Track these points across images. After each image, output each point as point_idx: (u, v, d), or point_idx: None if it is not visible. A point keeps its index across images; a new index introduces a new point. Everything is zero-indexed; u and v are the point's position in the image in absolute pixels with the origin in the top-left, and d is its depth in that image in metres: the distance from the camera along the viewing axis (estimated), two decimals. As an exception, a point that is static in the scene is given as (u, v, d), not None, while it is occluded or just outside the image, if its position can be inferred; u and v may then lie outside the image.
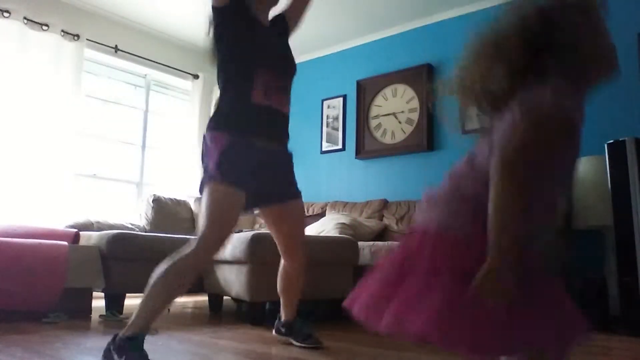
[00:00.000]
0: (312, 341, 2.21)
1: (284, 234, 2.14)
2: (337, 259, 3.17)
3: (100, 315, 2.99)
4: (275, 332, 2.38)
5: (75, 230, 3.34)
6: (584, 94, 1.00)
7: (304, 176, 5.74)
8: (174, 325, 2.84)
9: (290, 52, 2.10)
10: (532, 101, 0.90)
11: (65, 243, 3.00)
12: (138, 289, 3.50)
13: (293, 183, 2.15)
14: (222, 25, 1.96)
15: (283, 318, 2.35)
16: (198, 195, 1.96)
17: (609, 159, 2.96)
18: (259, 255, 2.82)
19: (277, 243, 2.20)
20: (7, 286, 2.66)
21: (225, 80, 1.96)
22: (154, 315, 1.78)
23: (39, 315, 2.78)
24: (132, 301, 3.96)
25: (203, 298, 4.23)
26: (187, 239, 3.46)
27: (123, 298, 3.22)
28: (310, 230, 4.09)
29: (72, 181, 4.18)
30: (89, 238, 3.33)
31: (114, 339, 1.71)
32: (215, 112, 1.94)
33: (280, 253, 2.21)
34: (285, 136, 2.07)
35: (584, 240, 3.48)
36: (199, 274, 1.85)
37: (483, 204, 0.91)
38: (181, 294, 1.87)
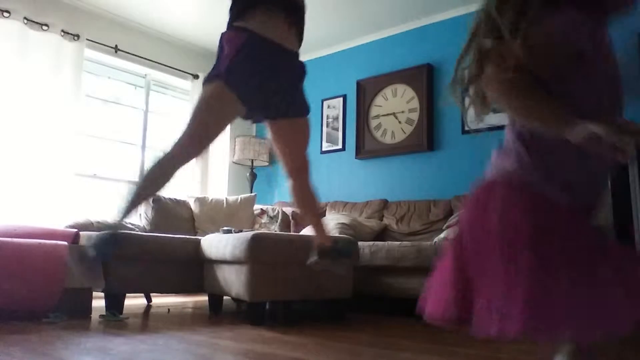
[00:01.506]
0: (341, 262, 2.37)
1: (290, 153, 2.15)
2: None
3: (100, 315, 2.98)
4: (321, 260, 2.36)
5: (75, 230, 3.34)
6: (603, 23, 0.99)
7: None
8: (174, 325, 2.84)
9: None
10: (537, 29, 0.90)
11: (65, 243, 3.00)
12: (138, 289, 3.53)
13: (303, 99, 2.14)
14: None
15: (325, 242, 2.36)
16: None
17: (609, 159, 2.96)
18: (259, 255, 2.82)
19: (282, 162, 2.20)
20: (7, 286, 2.66)
21: None
22: (136, 201, 1.97)
23: (39, 315, 2.78)
24: (132, 301, 3.97)
25: (203, 298, 4.23)
26: (187, 239, 3.49)
27: (123, 298, 3.22)
28: (311, 230, 4.09)
29: (72, 181, 4.18)
30: (89, 238, 3.33)
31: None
32: (232, 4, 1.94)
33: (287, 171, 2.21)
34: (300, 31, 2.08)
35: (584, 240, 3.48)
36: (175, 169, 1.92)
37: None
38: (158, 186, 1.97)
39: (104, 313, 3.01)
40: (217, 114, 1.87)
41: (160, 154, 1.90)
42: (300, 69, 2.11)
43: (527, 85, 0.90)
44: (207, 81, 1.90)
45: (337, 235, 3.62)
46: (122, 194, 1.95)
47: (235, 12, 1.92)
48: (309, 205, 2.31)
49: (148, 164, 1.94)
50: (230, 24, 1.92)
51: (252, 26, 1.86)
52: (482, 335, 0.90)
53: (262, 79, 1.88)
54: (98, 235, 1.98)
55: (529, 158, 0.96)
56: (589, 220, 0.95)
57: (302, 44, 2.18)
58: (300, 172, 2.20)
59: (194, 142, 1.87)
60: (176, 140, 1.87)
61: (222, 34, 1.94)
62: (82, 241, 3.31)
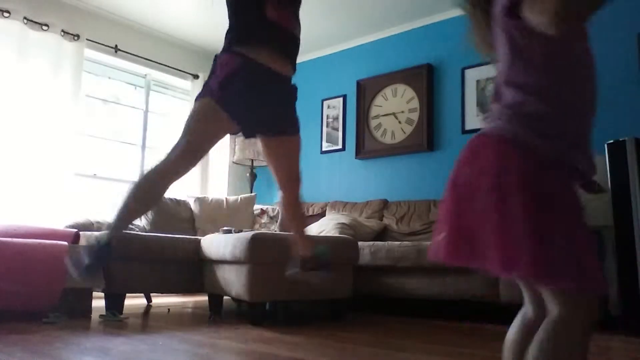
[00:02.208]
0: (325, 272, 2.32)
1: (282, 168, 2.20)
2: (337, 259, 3.16)
3: (100, 315, 2.98)
4: (301, 271, 2.36)
5: (75, 230, 3.34)
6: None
7: (303, 176, 5.74)
8: (174, 325, 2.84)
9: None
10: None
11: (65, 243, 3.00)
12: (138, 289, 3.53)
13: (294, 119, 2.20)
14: None
15: (306, 252, 2.35)
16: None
17: (609, 159, 2.96)
18: (259, 255, 2.82)
19: (275, 176, 2.25)
20: (7, 286, 2.66)
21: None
22: (127, 219, 1.99)
23: (39, 315, 2.78)
24: (132, 301, 3.97)
25: (203, 298, 4.23)
26: (188, 239, 3.49)
27: (123, 298, 3.21)
28: (311, 230, 4.09)
29: (72, 181, 4.18)
30: (89, 238, 3.33)
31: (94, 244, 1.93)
32: (229, 31, 1.97)
33: (279, 186, 2.27)
34: (294, 60, 2.09)
35: (584, 240, 3.48)
36: (165, 187, 1.93)
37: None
38: (147, 203, 1.99)
39: (104, 313, 3.01)
40: (207, 130, 1.91)
41: (148, 171, 1.91)
42: (292, 92, 2.15)
43: None
44: (199, 98, 1.94)
45: (337, 235, 3.62)
46: (114, 211, 1.95)
47: (233, 38, 1.94)
48: (297, 217, 2.35)
49: (136, 182, 1.94)
50: (226, 48, 1.95)
51: (247, 52, 1.89)
52: (463, 265, 0.97)
53: (253, 101, 1.92)
54: (90, 246, 1.98)
55: (521, 116, 0.96)
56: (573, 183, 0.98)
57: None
58: (291, 185, 2.26)
59: (185, 158, 1.90)
60: (166, 157, 1.89)
61: (216, 56, 1.98)
62: (82, 241, 3.31)
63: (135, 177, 1.95)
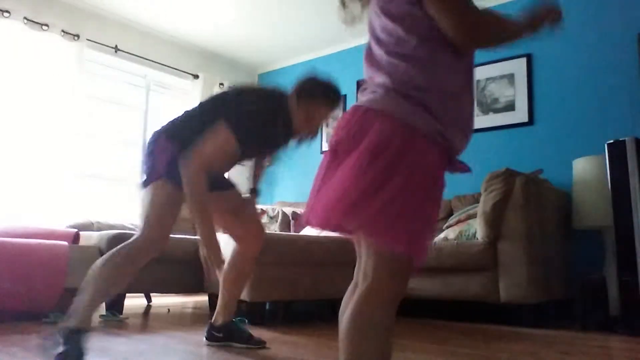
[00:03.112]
0: (255, 341, 2.18)
1: (232, 222, 2.17)
2: (337, 259, 3.17)
3: (100, 315, 2.98)
4: (208, 339, 2.22)
5: (75, 230, 3.34)
6: None
7: (304, 176, 5.76)
8: (174, 325, 2.84)
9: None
10: None
11: (65, 243, 3.00)
12: (138, 289, 3.53)
13: (225, 178, 2.25)
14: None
15: (220, 321, 2.22)
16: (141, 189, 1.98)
17: (609, 159, 2.96)
18: (259, 255, 2.81)
19: (230, 233, 2.21)
20: (7, 286, 2.66)
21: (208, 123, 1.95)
22: (96, 304, 1.85)
23: (39, 315, 2.78)
24: (132, 301, 3.97)
25: (203, 298, 4.24)
26: (187, 239, 3.49)
27: (123, 298, 3.22)
28: (311, 230, 4.09)
29: (72, 181, 4.18)
30: (89, 238, 3.34)
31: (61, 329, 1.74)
32: (178, 127, 2.00)
33: (236, 241, 2.21)
34: None
35: (584, 240, 3.48)
36: (136, 270, 1.88)
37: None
38: (119, 286, 1.89)
39: (104, 313, 3.01)
40: (171, 208, 1.93)
41: (115, 256, 1.83)
42: None
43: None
44: (148, 182, 1.93)
45: (337, 235, 3.62)
46: (79, 301, 1.82)
47: (178, 134, 1.97)
48: (240, 279, 2.24)
49: (97, 270, 1.84)
50: (170, 135, 1.97)
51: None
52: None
53: None
54: (63, 342, 1.71)
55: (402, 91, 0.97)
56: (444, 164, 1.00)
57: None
58: (248, 240, 2.19)
59: (158, 233, 1.90)
60: (134, 239, 1.86)
61: (155, 133, 2.00)
62: (82, 241, 3.31)
63: (96, 264, 1.87)
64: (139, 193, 1.97)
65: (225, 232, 2.22)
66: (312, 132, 2.14)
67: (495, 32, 0.98)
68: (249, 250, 2.20)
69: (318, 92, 2.09)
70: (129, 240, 1.87)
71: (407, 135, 0.93)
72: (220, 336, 2.21)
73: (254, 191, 2.30)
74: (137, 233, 1.89)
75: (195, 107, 2.08)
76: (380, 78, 1.00)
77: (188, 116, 2.06)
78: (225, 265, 2.18)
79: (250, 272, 2.28)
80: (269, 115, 1.98)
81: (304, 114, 2.05)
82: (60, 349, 1.67)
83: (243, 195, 2.24)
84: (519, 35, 0.98)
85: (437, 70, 0.97)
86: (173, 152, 1.91)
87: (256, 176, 2.34)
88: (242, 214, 2.18)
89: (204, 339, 2.23)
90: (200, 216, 1.89)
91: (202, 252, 1.92)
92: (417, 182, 0.92)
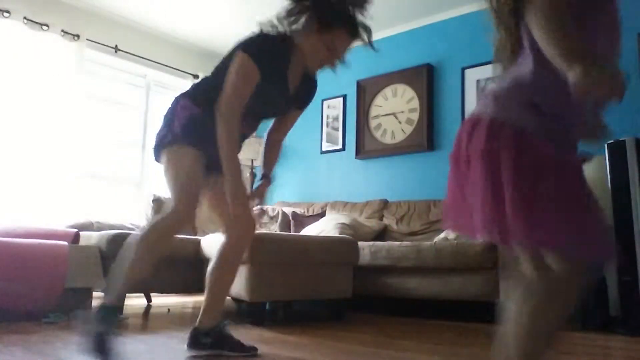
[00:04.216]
0: (249, 348, 2.01)
1: (226, 207, 2.00)
2: (337, 259, 3.17)
3: (100, 315, 2.98)
4: (193, 346, 1.98)
5: (75, 230, 3.34)
6: None
7: (303, 176, 5.76)
8: (174, 325, 2.84)
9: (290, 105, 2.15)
10: None
11: (65, 243, 3.00)
12: (138, 289, 3.53)
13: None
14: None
15: (207, 323, 2.00)
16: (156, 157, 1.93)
17: (609, 159, 2.96)
18: (259, 255, 2.82)
19: (222, 220, 2.07)
20: (7, 286, 2.66)
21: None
22: (132, 280, 1.81)
23: (39, 315, 2.78)
24: (132, 301, 3.97)
25: (203, 298, 4.23)
26: (187, 239, 3.49)
27: (123, 298, 3.21)
28: (310, 230, 4.09)
29: (72, 181, 4.18)
30: (89, 238, 3.34)
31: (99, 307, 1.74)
32: (198, 88, 1.98)
33: (226, 231, 2.05)
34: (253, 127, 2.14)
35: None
36: (172, 240, 1.85)
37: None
38: (157, 258, 1.83)
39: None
40: (193, 172, 1.85)
41: (143, 235, 1.77)
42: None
43: (565, 13, 0.95)
44: (163, 146, 1.88)
45: (337, 235, 3.62)
46: (114, 279, 1.79)
47: (200, 94, 1.94)
48: (227, 281, 2.06)
49: (132, 247, 1.77)
50: (190, 96, 1.94)
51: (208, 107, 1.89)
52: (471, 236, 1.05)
53: (211, 139, 1.86)
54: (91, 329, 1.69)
55: (516, 98, 1.02)
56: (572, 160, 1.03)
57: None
58: (236, 229, 2.01)
59: (186, 206, 1.81)
60: (163, 213, 1.82)
61: (177, 98, 1.97)
62: (82, 241, 3.31)
63: (133, 240, 1.80)
64: (156, 162, 1.93)
65: (220, 221, 2.09)
66: (333, 60, 2.05)
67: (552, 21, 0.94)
68: (238, 242, 2.01)
69: (340, 21, 2.00)
70: (159, 217, 1.85)
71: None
72: (207, 342, 1.97)
73: (267, 176, 2.14)
74: (165, 211, 1.85)
75: (213, 70, 2.03)
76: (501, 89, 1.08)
77: (205, 78, 2.03)
78: (212, 261, 2.05)
79: (237, 267, 2.07)
80: (283, 49, 1.95)
81: (325, 45, 1.96)
82: (98, 327, 1.67)
83: (257, 182, 2.17)
84: (569, 57, 0.90)
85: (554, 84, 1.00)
86: (192, 110, 1.88)
87: (268, 162, 2.17)
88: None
89: (186, 347, 1.99)
90: (232, 160, 1.82)
91: (233, 203, 1.83)
92: (563, 182, 0.95)
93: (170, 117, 1.92)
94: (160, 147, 1.90)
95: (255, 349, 2.03)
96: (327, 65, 2.04)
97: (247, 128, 2.06)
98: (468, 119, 1.07)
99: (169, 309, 3.62)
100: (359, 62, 5.00)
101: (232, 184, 1.82)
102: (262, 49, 1.89)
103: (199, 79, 2.08)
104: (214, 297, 2.04)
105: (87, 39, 4.39)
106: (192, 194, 1.84)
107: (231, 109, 1.82)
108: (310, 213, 4.63)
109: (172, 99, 2.01)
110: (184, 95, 1.97)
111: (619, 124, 3.44)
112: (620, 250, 2.84)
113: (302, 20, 1.96)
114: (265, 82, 1.90)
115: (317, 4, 1.94)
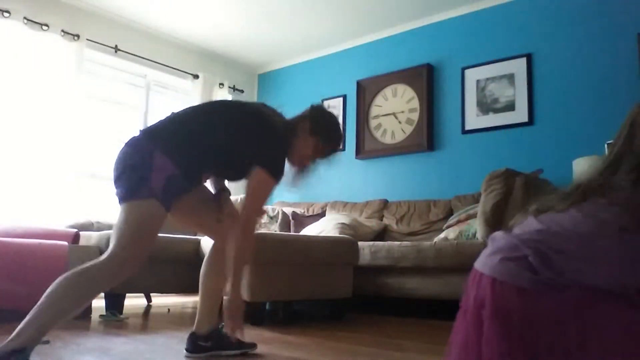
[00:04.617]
0: (248, 345, 2.04)
1: (205, 214, 2.05)
2: (337, 259, 3.17)
3: (101, 315, 2.99)
4: (192, 350, 1.98)
5: (75, 230, 3.34)
6: None
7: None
8: (174, 325, 2.84)
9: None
10: None
11: (65, 243, 3.00)
12: (138, 289, 3.53)
13: None
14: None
15: (206, 328, 2.02)
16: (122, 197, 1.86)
17: (609, 159, 2.96)
18: (259, 255, 2.82)
19: (204, 229, 2.11)
20: (7, 286, 2.66)
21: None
22: (51, 324, 1.67)
23: (39, 315, 2.77)
24: (132, 301, 3.97)
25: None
26: (187, 239, 3.49)
27: (123, 298, 3.22)
28: (311, 230, 4.09)
29: (72, 181, 4.18)
30: (89, 238, 3.34)
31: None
32: (174, 139, 1.85)
33: (212, 237, 2.09)
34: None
35: (584, 240, 3.48)
36: (109, 286, 1.75)
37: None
38: (84, 304, 1.74)
39: (104, 313, 3.01)
40: (157, 228, 1.84)
41: (88, 269, 1.69)
42: None
43: None
44: (136, 194, 1.81)
45: (337, 235, 3.62)
46: (33, 318, 1.66)
47: (175, 151, 1.83)
48: (220, 284, 2.07)
49: (59, 288, 1.72)
50: (167, 152, 1.81)
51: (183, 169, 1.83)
52: None
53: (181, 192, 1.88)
54: None
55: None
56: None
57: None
58: (221, 232, 2.05)
59: (132, 257, 1.73)
60: (102, 259, 1.70)
61: (148, 144, 1.85)
62: (82, 241, 3.31)
63: (60, 278, 1.73)
64: (120, 205, 1.80)
65: (200, 231, 2.16)
66: (306, 166, 2.17)
67: None
68: (227, 243, 2.00)
69: (332, 134, 2.23)
70: (97, 260, 1.70)
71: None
72: (207, 346, 1.99)
73: (223, 189, 2.15)
74: (106, 251, 1.71)
75: (198, 121, 1.90)
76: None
77: (180, 123, 1.90)
78: (204, 265, 2.07)
79: (237, 267, 2.00)
80: (286, 146, 2.04)
81: (311, 146, 2.11)
82: None
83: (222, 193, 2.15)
84: None
85: None
86: (172, 172, 1.78)
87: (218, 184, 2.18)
88: (211, 203, 2.07)
89: (185, 351, 1.99)
90: (240, 267, 1.91)
91: (228, 304, 1.87)
92: None
93: (145, 169, 1.79)
94: (132, 197, 1.79)
95: (254, 344, 2.06)
96: (303, 164, 2.17)
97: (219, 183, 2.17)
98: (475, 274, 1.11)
99: (169, 309, 3.62)
100: (359, 62, 5.01)
101: (232, 292, 1.88)
102: (279, 163, 2.00)
103: (171, 118, 1.93)
104: (209, 302, 2.08)
105: (87, 39, 4.39)
106: (144, 249, 1.76)
107: (253, 224, 1.95)
108: (310, 213, 4.63)
109: (136, 142, 1.88)
110: (155, 143, 1.81)
111: (619, 124, 3.45)
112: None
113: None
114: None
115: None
